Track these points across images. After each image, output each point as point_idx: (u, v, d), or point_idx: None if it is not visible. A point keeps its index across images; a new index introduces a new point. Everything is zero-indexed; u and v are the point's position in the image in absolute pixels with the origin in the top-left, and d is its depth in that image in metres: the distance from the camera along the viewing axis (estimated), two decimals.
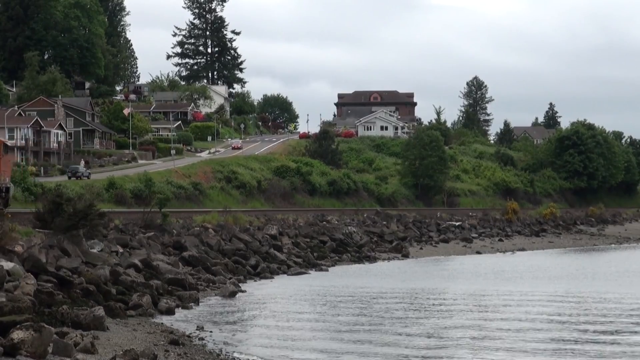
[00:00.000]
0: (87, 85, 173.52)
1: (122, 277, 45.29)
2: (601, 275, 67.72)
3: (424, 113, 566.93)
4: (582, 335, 36.66)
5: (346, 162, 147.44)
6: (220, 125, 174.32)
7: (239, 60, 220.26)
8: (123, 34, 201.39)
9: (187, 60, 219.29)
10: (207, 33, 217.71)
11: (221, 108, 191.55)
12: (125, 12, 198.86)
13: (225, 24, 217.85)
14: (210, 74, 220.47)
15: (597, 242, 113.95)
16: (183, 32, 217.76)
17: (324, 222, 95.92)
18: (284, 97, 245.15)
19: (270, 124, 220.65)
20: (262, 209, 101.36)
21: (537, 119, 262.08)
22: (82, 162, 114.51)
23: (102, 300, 39.17)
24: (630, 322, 40.80)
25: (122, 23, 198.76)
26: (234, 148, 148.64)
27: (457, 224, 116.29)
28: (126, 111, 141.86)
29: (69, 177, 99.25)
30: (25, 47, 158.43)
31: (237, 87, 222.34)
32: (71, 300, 37.15)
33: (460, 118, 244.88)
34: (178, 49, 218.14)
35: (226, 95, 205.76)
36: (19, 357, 25.36)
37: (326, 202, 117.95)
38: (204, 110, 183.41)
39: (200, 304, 46.57)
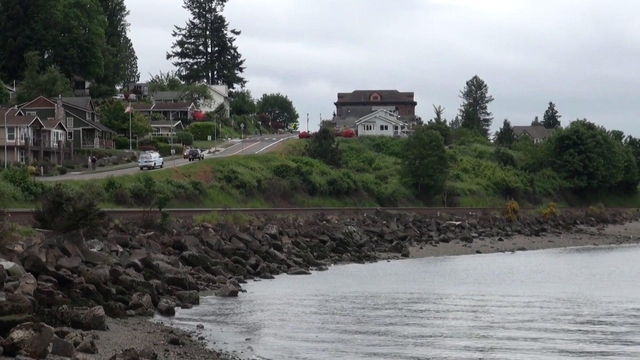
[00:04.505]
0: (87, 84, 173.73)
1: (122, 276, 45.25)
2: (605, 276, 67.71)
3: (424, 112, 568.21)
4: (588, 343, 36.42)
5: (346, 161, 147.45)
6: (220, 125, 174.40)
7: (239, 60, 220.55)
8: (123, 33, 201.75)
9: (187, 59, 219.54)
10: (207, 32, 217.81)
11: (221, 107, 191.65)
12: (125, 12, 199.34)
13: (225, 23, 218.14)
14: (210, 74, 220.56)
15: (597, 242, 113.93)
16: (183, 32, 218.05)
17: (324, 222, 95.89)
18: (284, 96, 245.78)
19: (270, 123, 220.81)
20: (262, 209, 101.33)
21: (537, 118, 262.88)
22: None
23: (102, 299, 39.13)
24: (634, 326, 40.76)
25: (122, 23, 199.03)
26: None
27: (457, 223, 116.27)
28: (128, 109, 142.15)
29: (190, 160, 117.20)
30: (25, 47, 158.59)
31: (237, 87, 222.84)
32: (71, 300, 37.14)
33: (460, 117, 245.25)
34: (178, 49, 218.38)
35: (226, 95, 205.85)
36: (19, 356, 25.35)
37: (326, 201, 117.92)
38: (204, 109, 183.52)
39: (200, 303, 46.53)
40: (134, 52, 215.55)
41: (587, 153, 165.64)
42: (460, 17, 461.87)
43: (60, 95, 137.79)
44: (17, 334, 25.77)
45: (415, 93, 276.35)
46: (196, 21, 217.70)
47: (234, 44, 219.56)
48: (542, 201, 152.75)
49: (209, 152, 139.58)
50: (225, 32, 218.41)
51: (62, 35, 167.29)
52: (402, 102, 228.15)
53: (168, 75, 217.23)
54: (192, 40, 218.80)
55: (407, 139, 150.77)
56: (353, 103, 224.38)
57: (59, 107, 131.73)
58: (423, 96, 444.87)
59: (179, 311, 43.17)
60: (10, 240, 42.75)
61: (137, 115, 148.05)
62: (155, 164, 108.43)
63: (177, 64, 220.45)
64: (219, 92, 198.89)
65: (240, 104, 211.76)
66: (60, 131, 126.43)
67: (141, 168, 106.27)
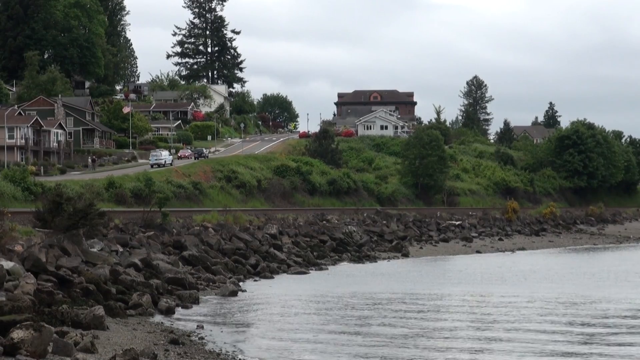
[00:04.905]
0: (87, 84, 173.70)
1: (122, 276, 45.25)
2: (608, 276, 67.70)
3: (424, 112, 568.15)
4: (586, 345, 36.34)
5: (346, 161, 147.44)
6: (220, 125, 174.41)
7: (239, 60, 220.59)
8: (123, 33, 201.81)
9: (187, 59, 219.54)
10: (207, 32, 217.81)
11: (221, 107, 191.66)
12: (125, 12, 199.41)
13: (225, 23, 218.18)
14: (210, 74, 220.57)
15: (597, 242, 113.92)
16: (183, 32, 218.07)
17: (324, 222, 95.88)
18: (284, 96, 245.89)
19: (270, 123, 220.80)
20: (262, 209, 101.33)
21: (537, 118, 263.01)
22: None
23: (102, 299, 39.13)
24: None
25: (122, 22, 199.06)
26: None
27: (457, 223, 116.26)
28: (126, 109, 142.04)
29: (196, 158, 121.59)
30: (25, 47, 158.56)
31: (237, 87, 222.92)
32: (71, 300, 37.14)
33: (460, 117, 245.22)
34: (178, 49, 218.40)
35: (226, 95, 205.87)
36: (19, 356, 25.36)
37: (326, 201, 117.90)
38: (204, 109, 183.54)
39: (200, 303, 46.53)
40: (134, 52, 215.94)
41: (587, 153, 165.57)
42: (460, 17, 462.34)
43: (60, 95, 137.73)
44: (17, 334, 25.78)
45: (415, 93, 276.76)
46: (196, 21, 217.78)
47: (234, 44, 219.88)
48: (542, 201, 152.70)
49: (209, 152, 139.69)
50: (225, 32, 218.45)
51: (62, 35, 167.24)
52: (402, 102, 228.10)
53: (168, 75, 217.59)
54: (192, 40, 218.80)
55: (407, 139, 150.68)
56: (353, 103, 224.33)
57: (59, 107, 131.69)
58: (423, 96, 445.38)
59: (179, 311, 43.18)
60: (10, 240, 42.75)
61: (137, 115, 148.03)
62: (165, 161, 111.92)
63: (177, 64, 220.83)
64: (219, 92, 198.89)
65: (240, 104, 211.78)
66: (60, 131, 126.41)
67: (152, 166, 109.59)
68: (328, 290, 54.65)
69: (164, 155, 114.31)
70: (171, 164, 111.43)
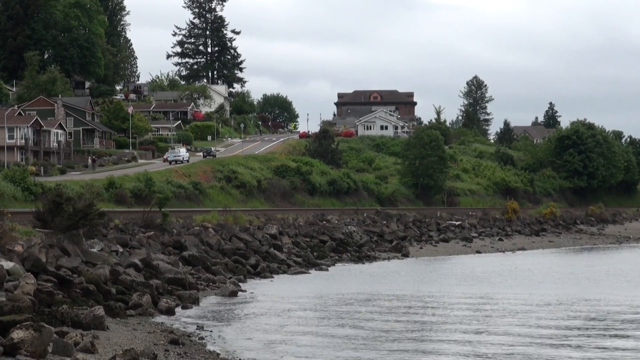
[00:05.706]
0: (87, 84, 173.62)
1: (122, 276, 45.26)
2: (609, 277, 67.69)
3: (424, 112, 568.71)
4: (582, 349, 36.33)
5: (346, 161, 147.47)
6: (220, 125, 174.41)
7: (239, 60, 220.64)
8: (123, 33, 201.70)
9: (187, 59, 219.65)
10: (207, 32, 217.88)
11: (221, 107, 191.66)
12: (125, 12, 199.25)
13: (225, 23, 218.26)
14: (210, 74, 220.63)
15: (597, 242, 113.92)
16: (183, 32, 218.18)
17: (324, 222, 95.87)
18: (284, 96, 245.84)
19: (270, 123, 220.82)
20: (262, 209, 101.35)
21: (537, 118, 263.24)
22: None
23: (102, 299, 39.12)
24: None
25: (122, 22, 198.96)
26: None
27: (457, 223, 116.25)
28: (130, 109, 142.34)
29: (204, 156, 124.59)
30: (25, 47, 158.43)
31: (237, 87, 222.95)
32: (71, 300, 37.14)
33: (460, 117, 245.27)
34: (178, 49, 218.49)
35: (226, 95, 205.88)
36: (19, 356, 25.35)
37: (326, 201, 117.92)
38: (204, 109, 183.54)
39: (200, 303, 46.53)
40: (134, 52, 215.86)
41: (587, 153, 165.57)
42: (460, 17, 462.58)
43: (60, 95, 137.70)
44: (17, 334, 25.77)
45: (415, 93, 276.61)
46: (196, 21, 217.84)
47: (234, 44, 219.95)
48: (542, 201, 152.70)
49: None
50: (225, 32, 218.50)
51: (62, 35, 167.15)
52: (402, 102, 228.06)
53: (168, 75, 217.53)
54: (192, 40, 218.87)
55: (407, 139, 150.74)
56: (353, 103, 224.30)
57: (59, 107, 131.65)
58: (423, 96, 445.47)
59: (179, 311, 43.18)
60: (10, 240, 42.76)
61: (137, 115, 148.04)
62: (183, 158, 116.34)
63: (177, 64, 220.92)
64: (219, 92, 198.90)
65: (240, 104, 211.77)
66: (60, 131, 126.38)
67: (169, 162, 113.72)
68: (328, 290, 54.63)
69: (182, 152, 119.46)
70: (188, 161, 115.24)
